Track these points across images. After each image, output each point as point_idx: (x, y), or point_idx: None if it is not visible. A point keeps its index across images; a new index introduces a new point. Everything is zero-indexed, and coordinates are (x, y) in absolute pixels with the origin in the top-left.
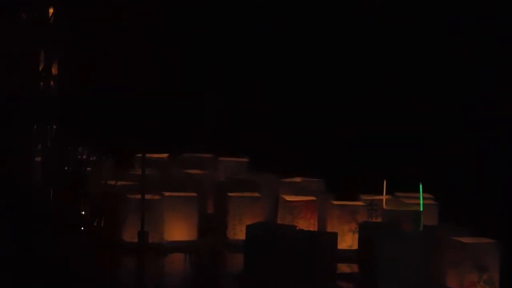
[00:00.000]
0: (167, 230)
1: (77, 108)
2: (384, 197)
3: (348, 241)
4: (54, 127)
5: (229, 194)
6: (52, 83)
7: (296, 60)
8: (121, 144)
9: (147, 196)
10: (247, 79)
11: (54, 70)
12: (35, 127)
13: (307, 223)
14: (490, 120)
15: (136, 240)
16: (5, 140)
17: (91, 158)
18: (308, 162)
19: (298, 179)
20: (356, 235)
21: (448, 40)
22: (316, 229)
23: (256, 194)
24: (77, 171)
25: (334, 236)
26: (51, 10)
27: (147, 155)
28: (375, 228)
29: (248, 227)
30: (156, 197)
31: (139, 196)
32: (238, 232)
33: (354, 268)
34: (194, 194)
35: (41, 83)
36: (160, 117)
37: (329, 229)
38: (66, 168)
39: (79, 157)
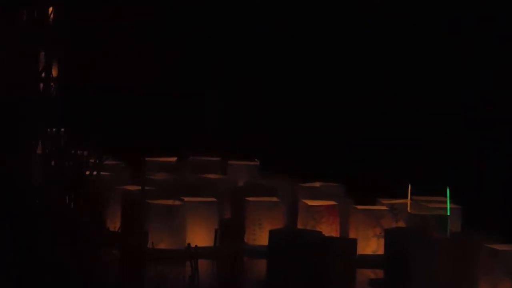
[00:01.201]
0: (187, 236)
1: (77, 108)
2: (408, 201)
3: (372, 246)
4: (54, 129)
5: (248, 198)
6: (52, 83)
7: (296, 60)
8: (121, 145)
9: (168, 202)
10: (247, 79)
11: (55, 72)
12: (35, 127)
13: (329, 228)
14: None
15: (159, 246)
16: (5, 140)
17: (91, 160)
18: (315, 165)
19: (317, 184)
20: (381, 240)
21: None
22: (338, 234)
23: (275, 199)
24: (77, 172)
25: (353, 242)
26: (51, 10)
27: (156, 159)
28: (404, 233)
29: (271, 232)
30: (177, 202)
31: (159, 202)
32: (257, 238)
33: (379, 273)
34: (214, 199)
35: (41, 83)
36: (160, 117)
37: (353, 234)
38: (66, 168)
39: (80, 157)
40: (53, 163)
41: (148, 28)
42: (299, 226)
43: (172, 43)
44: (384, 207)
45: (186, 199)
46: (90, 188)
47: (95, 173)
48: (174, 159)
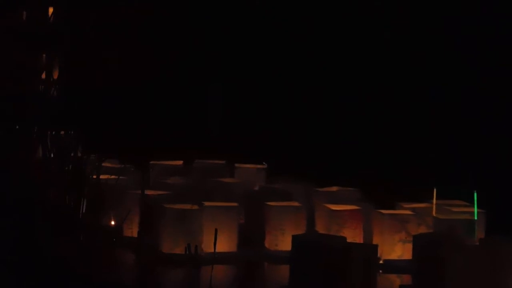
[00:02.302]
0: (205, 241)
1: (77, 108)
2: (434, 205)
3: (398, 251)
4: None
5: (269, 203)
6: (52, 84)
7: (303, 59)
8: (124, 147)
9: (186, 206)
10: (250, 79)
11: (55, 72)
12: (35, 127)
13: (352, 233)
14: None
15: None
16: (5, 140)
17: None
18: (325, 168)
19: (333, 188)
20: (407, 245)
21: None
22: (361, 239)
23: (296, 204)
24: (77, 172)
25: (375, 247)
26: (50, 10)
27: (161, 162)
28: (435, 239)
29: (294, 237)
30: (194, 207)
31: (177, 206)
32: (280, 243)
33: (405, 278)
34: (235, 203)
35: (42, 83)
36: (161, 119)
37: (378, 239)
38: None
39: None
40: (53, 163)
41: (150, 27)
42: (321, 231)
43: (173, 42)
44: (408, 212)
45: (206, 203)
46: (90, 188)
47: (94, 176)
48: (180, 162)
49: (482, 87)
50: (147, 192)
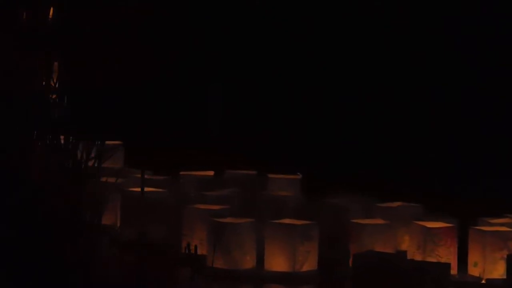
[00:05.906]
0: (267, 259)
1: (77, 107)
2: None
3: (500, 269)
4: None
5: (356, 221)
6: (53, 84)
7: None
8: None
9: (237, 220)
10: (250, 79)
11: (55, 72)
12: (35, 127)
13: (447, 251)
14: None
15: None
16: (5, 139)
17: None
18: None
19: (395, 204)
20: None
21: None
22: (455, 258)
23: (383, 221)
24: (78, 170)
25: (445, 266)
26: (51, 10)
27: (192, 173)
28: None
29: (355, 256)
30: (242, 220)
31: (228, 220)
32: None
33: None
34: (298, 221)
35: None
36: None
37: (477, 257)
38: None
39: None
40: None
41: (150, 27)
42: (413, 249)
43: (173, 42)
44: (507, 228)
45: (269, 220)
46: (90, 188)
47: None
48: (211, 173)
49: (482, 87)
50: (196, 206)
